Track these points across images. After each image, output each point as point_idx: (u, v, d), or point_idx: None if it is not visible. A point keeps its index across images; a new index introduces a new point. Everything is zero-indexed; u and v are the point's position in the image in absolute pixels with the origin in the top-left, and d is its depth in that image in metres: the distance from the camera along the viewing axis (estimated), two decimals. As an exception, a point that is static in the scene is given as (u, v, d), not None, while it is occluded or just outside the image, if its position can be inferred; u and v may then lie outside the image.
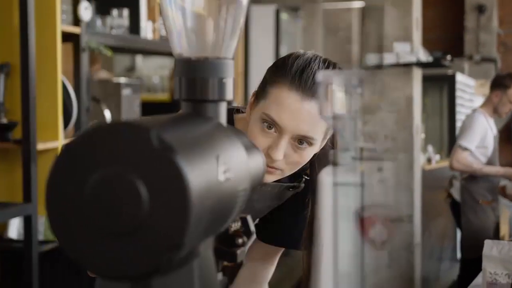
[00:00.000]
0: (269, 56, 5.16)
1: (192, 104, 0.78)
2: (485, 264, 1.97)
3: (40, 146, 2.53)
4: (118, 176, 0.60)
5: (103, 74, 4.92)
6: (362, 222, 0.67)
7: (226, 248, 0.85)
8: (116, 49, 3.53)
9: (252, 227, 0.87)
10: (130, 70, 6.15)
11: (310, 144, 1.30)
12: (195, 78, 0.77)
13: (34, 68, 2.47)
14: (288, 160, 1.30)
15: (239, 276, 1.54)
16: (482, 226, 4.42)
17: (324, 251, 0.68)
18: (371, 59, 5.09)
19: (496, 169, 4.62)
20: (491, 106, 4.52)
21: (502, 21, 9.14)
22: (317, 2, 5.53)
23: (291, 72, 1.28)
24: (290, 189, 1.46)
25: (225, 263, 0.95)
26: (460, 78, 7.07)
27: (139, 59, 6.17)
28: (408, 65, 5.13)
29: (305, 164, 1.45)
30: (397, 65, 5.16)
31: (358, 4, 5.48)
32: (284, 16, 5.44)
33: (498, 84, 4.53)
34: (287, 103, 1.27)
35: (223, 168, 0.68)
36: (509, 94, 4.49)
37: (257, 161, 0.84)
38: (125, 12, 3.30)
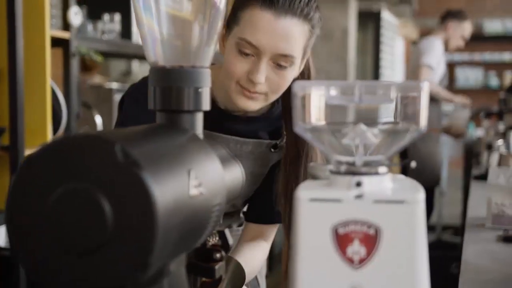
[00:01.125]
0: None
1: (167, 115, 0.75)
2: (491, 194, 1.79)
3: (28, 152, 2.49)
4: (81, 191, 0.58)
5: (97, 79, 4.89)
6: (340, 239, 0.64)
7: (203, 263, 0.82)
8: (107, 54, 3.50)
9: (231, 241, 0.84)
10: (126, 74, 6.11)
11: (290, 63, 1.27)
12: (170, 87, 0.74)
13: (22, 73, 2.43)
14: (270, 82, 1.27)
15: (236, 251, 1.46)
16: (430, 153, 4.44)
17: (300, 269, 0.65)
18: None
19: (451, 95, 4.70)
20: (443, 36, 4.55)
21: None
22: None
23: None
24: (272, 150, 1.43)
25: (203, 279, 0.93)
26: (385, 16, 7.09)
27: (135, 63, 6.14)
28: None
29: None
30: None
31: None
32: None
33: (454, 15, 4.57)
34: (261, 23, 1.24)
35: (195, 183, 0.65)
36: (463, 27, 4.54)
37: (234, 173, 0.81)
38: (117, 16, 3.28)
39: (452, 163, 6.66)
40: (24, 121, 2.46)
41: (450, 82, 8.87)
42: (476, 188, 2.67)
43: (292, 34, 1.25)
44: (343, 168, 0.67)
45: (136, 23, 0.78)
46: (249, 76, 1.26)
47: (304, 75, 1.40)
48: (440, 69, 4.57)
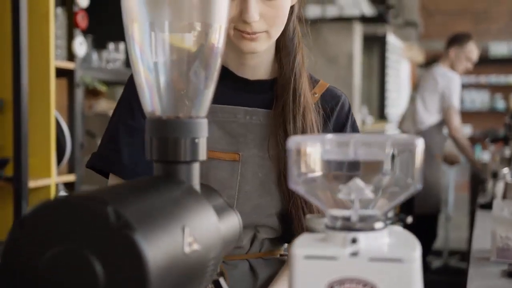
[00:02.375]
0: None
1: (163, 166, 0.75)
2: (495, 227, 1.76)
3: (32, 183, 2.50)
4: (73, 253, 0.57)
5: (103, 104, 4.90)
6: (335, 297, 0.64)
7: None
8: (112, 83, 3.51)
9: (227, 290, 0.83)
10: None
11: None
12: (167, 138, 0.74)
13: (27, 104, 2.45)
14: (266, 17, 1.22)
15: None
16: (436, 181, 4.44)
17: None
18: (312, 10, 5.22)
19: (473, 156, 4.71)
20: (449, 63, 4.57)
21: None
22: (317, 30, 5.57)
23: None
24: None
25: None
26: (391, 39, 7.13)
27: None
28: (350, 19, 5.31)
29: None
30: (339, 19, 5.29)
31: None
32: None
33: (455, 40, 4.60)
34: None
35: (190, 239, 0.65)
36: (466, 50, 4.56)
37: (230, 223, 0.81)
38: (122, 46, 3.29)
39: (459, 187, 6.63)
40: (28, 152, 2.47)
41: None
42: (481, 218, 2.66)
43: None
44: (338, 223, 0.66)
45: (133, 72, 0.78)
46: (242, 17, 1.20)
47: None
48: None
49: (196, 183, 0.76)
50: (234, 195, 1.26)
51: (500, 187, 2.66)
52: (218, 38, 0.77)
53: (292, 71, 1.32)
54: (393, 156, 0.67)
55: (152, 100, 0.76)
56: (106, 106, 4.85)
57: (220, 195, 0.83)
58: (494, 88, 9.73)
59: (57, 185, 2.75)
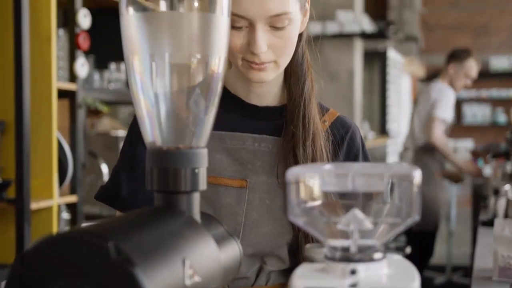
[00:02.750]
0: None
1: (164, 196, 0.75)
2: (497, 246, 1.74)
3: (34, 205, 2.50)
4: (74, 288, 0.58)
5: (106, 122, 4.90)
6: (335, 328, 0.64)
7: None
8: (114, 103, 3.52)
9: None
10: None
11: (288, 20, 1.20)
12: (167, 168, 0.74)
13: (29, 126, 2.46)
14: (274, 48, 1.20)
15: None
16: (434, 198, 4.42)
17: None
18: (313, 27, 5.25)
19: (461, 161, 4.68)
20: (448, 79, 4.57)
21: (425, 0, 9.32)
22: (317, 48, 5.59)
23: None
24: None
25: None
26: (391, 54, 7.13)
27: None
28: (350, 36, 5.38)
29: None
30: (340, 35, 5.35)
31: None
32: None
33: (454, 56, 4.59)
34: None
35: (190, 272, 0.65)
36: (465, 67, 4.54)
37: (231, 252, 0.81)
38: (123, 66, 3.31)
39: (461, 201, 6.62)
40: (30, 174, 2.48)
41: (458, 119, 8.89)
42: (483, 235, 2.65)
43: None
44: (337, 254, 0.67)
45: (133, 102, 0.78)
46: (250, 49, 1.19)
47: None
48: (451, 118, 4.59)
49: (196, 212, 0.77)
50: (241, 222, 1.26)
51: (501, 204, 2.65)
52: (218, 67, 0.78)
53: (301, 97, 1.31)
54: (391, 187, 0.67)
55: (152, 131, 0.76)
56: (108, 125, 4.86)
57: (221, 223, 0.84)
58: (495, 102, 9.75)
59: (59, 206, 2.76)
